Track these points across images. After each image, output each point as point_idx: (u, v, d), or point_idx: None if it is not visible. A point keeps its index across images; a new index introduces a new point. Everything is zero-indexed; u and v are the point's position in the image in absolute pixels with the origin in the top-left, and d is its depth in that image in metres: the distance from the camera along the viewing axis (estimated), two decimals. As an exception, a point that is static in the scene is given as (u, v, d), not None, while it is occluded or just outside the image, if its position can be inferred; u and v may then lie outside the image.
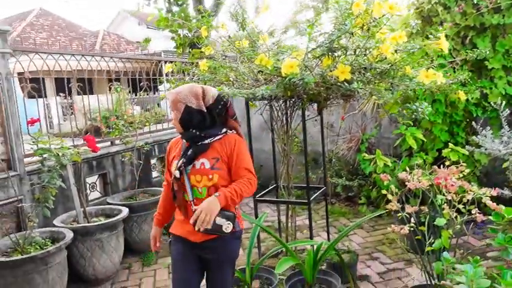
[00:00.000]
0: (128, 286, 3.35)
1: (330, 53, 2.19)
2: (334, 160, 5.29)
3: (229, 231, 1.86)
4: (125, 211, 3.54)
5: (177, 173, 1.94)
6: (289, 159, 3.47)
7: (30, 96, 4.26)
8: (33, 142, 2.73)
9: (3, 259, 2.61)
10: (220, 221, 1.83)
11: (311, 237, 3.23)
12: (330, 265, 3.09)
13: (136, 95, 5.80)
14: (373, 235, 4.16)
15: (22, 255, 2.74)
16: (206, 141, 1.94)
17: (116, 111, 5.49)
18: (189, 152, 1.94)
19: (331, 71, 2.31)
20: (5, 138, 3.12)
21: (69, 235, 2.99)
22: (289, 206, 3.55)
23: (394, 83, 2.37)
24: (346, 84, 2.18)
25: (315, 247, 2.74)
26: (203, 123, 1.94)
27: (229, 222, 1.85)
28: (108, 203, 3.88)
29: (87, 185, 4.05)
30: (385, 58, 2.31)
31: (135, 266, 3.73)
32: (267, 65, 2.37)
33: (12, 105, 3.17)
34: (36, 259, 2.69)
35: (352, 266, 3.11)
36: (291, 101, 3.12)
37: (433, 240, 2.20)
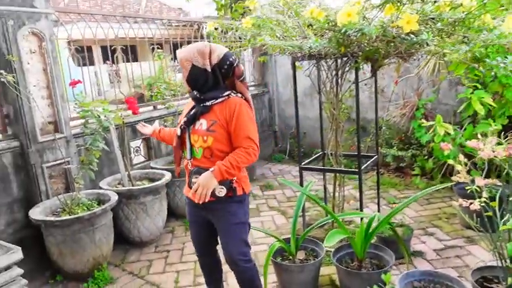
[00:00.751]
0: (171, 249, 3.36)
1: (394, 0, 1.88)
2: (384, 128, 4.94)
3: (223, 195, 1.89)
4: (168, 175, 3.51)
5: (178, 131, 2.01)
6: (338, 125, 3.23)
7: (80, 65, 4.27)
8: (76, 105, 2.70)
9: (52, 218, 2.67)
10: None
11: (361, 209, 3.02)
12: (381, 239, 2.88)
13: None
14: (427, 209, 3.87)
15: (70, 215, 2.79)
16: (207, 104, 1.91)
17: (158, 78, 5.49)
18: (192, 112, 1.96)
19: (392, 22, 2.01)
20: (51, 100, 3.13)
21: (114, 198, 3.00)
22: (337, 175, 3.34)
23: (469, 36, 2.02)
24: (412, 36, 1.88)
25: (367, 220, 2.54)
26: (206, 83, 1.91)
27: (222, 187, 1.88)
28: (152, 168, 3.87)
29: (132, 149, 4.07)
30: (460, 5, 1.96)
31: (178, 230, 3.74)
32: (318, 17, 2.11)
33: (57, 68, 3.15)
34: (83, 220, 2.72)
35: (405, 241, 2.88)
36: (343, 60, 2.83)
37: (507, 218, 1.92)
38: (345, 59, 2.78)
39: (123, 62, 4.30)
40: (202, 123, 1.92)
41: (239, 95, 1.96)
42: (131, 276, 2.93)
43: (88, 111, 2.56)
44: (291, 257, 2.67)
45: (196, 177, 1.88)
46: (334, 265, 2.56)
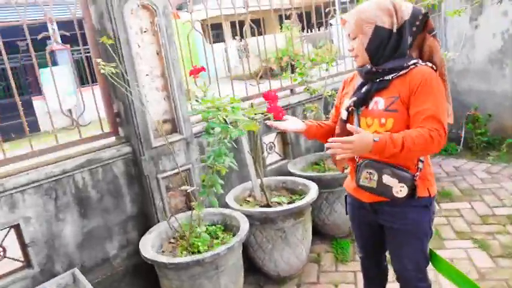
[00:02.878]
0: (320, 292, 2.44)
1: None
2: None
3: (402, 196, 1.46)
4: (314, 189, 2.55)
5: (343, 114, 1.61)
6: None
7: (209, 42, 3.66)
8: (196, 100, 1.88)
9: (164, 260, 1.97)
10: (389, 180, 1.45)
11: None
12: None
13: (308, 31, 4.86)
14: None
15: (188, 250, 2.08)
16: (387, 78, 1.49)
17: (285, 51, 4.75)
18: (363, 89, 1.55)
19: None
20: (167, 92, 2.44)
21: (245, 226, 2.17)
22: None
23: None
24: None
25: None
26: (387, 50, 1.48)
27: (402, 184, 1.44)
28: (290, 173, 2.97)
29: (264, 146, 3.23)
30: None
31: (326, 259, 2.78)
32: None
33: (173, 50, 2.42)
34: (204, 262, 1.96)
35: None
36: None
37: None
38: None
39: (253, 35, 3.48)
40: (378, 102, 1.52)
41: (429, 64, 1.49)
42: (267, 338, 2.11)
43: (210, 113, 1.70)
44: None
45: (369, 173, 1.51)
46: None
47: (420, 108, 1.40)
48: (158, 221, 2.42)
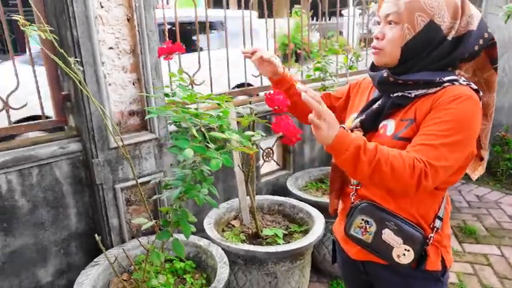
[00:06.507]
0: None
1: None
2: None
3: (405, 263, 1.04)
4: (319, 223, 1.95)
5: None
6: None
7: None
8: (166, 95, 1.23)
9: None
10: (390, 237, 1.04)
11: None
12: None
13: (317, 20, 4.43)
14: None
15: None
16: (410, 94, 1.02)
17: (293, 38, 4.42)
18: (375, 106, 1.08)
19: None
20: (137, 74, 1.81)
21: (223, 272, 1.58)
22: None
23: None
24: None
25: None
26: (437, 60, 1.00)
27: (408, 247, 1.03)
28: (289, 191, 2.37)
29: (260, 152, 2.64)
30: None
31: (322, 305, 2.23)
32: None
33: (150, 17, 1.79)
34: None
35: None
36: None
37: None
38: None
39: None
40: (387, 125, 1.05)
41: (473, 86, 0.99)
42: None
43: (181, 120, 1.06)
44: None
45: (365, 221, 1.06)
46: None
47: (422, 130, 0.97)
48: (112, 245, 1.84)
